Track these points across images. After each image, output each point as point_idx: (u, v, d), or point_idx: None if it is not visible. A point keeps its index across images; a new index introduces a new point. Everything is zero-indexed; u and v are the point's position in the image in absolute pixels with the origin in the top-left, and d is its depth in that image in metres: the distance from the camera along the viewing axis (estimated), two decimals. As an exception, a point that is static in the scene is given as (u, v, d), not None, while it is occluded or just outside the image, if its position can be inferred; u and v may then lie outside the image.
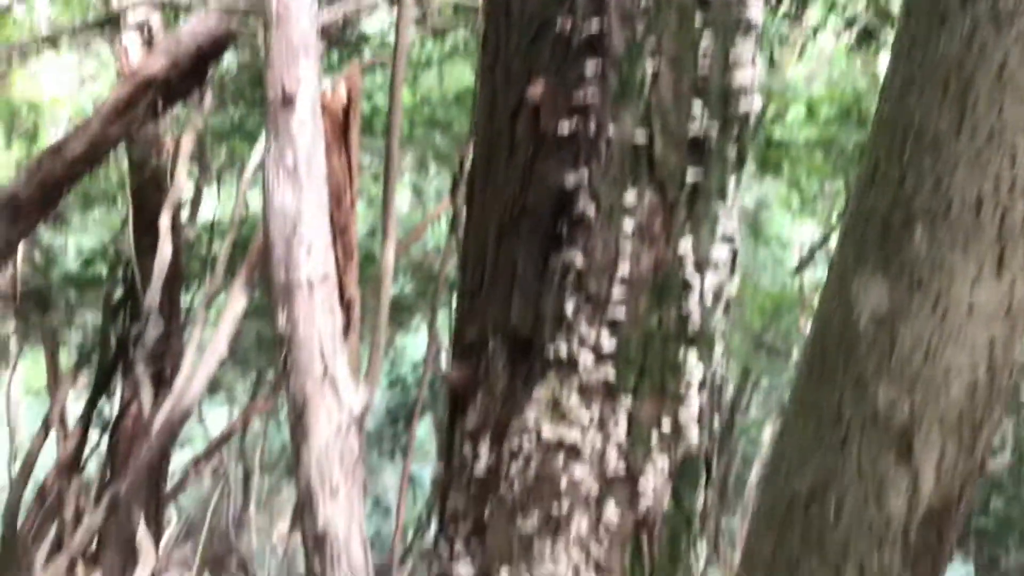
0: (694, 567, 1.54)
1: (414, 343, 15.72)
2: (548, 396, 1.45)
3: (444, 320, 13.57)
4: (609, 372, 1.43)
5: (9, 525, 11.38)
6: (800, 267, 9.49)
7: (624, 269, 1.43)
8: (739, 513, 11.17)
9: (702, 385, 1.48)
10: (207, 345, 5.73)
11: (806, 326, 7.62)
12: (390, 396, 14.70)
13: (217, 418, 16.87)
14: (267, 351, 12.80)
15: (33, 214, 5.43)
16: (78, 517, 9.31)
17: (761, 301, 6.32)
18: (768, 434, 10.94)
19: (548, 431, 1.44)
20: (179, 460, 14.51)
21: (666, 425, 1.45)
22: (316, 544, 2.44)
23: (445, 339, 12.90)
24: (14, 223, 5.26)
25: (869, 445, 0.87)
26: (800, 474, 0.96)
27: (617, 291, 1.43)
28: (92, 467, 13.10)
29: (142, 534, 6.68)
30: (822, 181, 9.17)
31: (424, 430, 15.79)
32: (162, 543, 13.81)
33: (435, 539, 1.64)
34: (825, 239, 10.23)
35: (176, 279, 9.43)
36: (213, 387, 14.90)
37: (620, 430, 1.44)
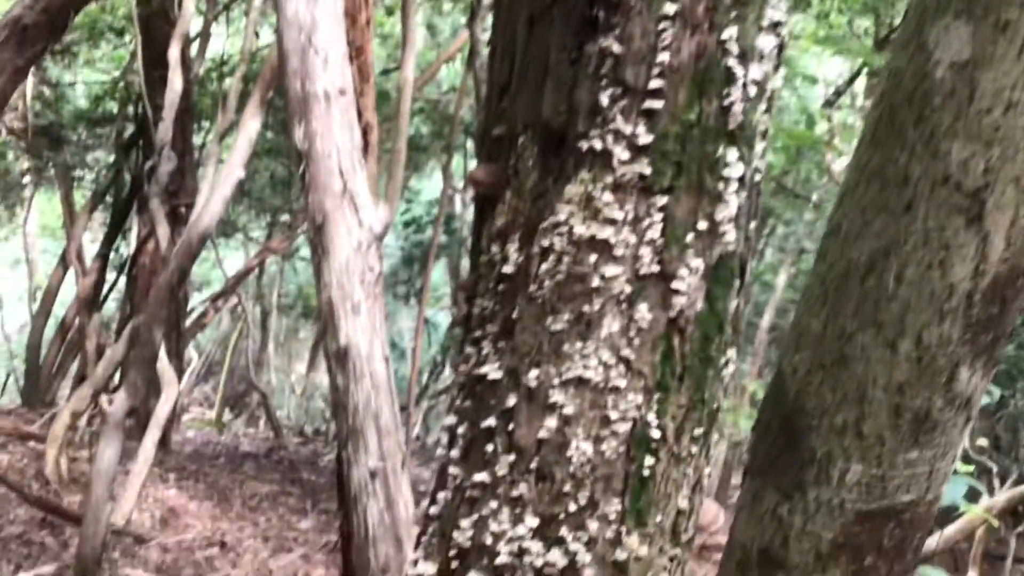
0: (724, 372, 1.52)
1: (429, 186, 15.63)
2: (580, 193, 1.39)
3: (459, 163, 13.44)
4: (645, 167, 1.37)
5: (32, 360, 11.68)
6: (827, 104, 9.25)
7: (663, 57, 1.34)
8: (748, 360, 11.29)
9: (741, 184, 1.42)
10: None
11: (831, 167, 7.48)
12: (405, 238, 14.71)
13: (234, 262, 17.00)
14: (282, 192, 12.77)
15: (39, 40, 5.27)
16: (100, 351, 9.50)
17: (784, 141, 6.16)
18: (783, 279, 10.94)
19: (580, 229, 1.39)
20: (198, 302, 14.71)
21: (702, 224, 1.40)
22: (339, 360, 2.45)
23: (459, 181, 12.82)
24: (21, 49, 5.11)
25: (937, 208, 0.82)
26: (859, 243, 0.92)
27: (655, 80, 1.35)
28: (111, 305, 13.31)
29: (164, 365, 6.82)
30: (852, 16, 8.84)
31: (439, 274, 15.91)
32: (183, 381, 14.19)
33: (461, 344, 1.62)
34: (853, 78, 9.95)
35: (187, 114, 9.30)
36: (229, 230, 14.95)
37: (655, 228, 1.38)
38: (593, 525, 1.45)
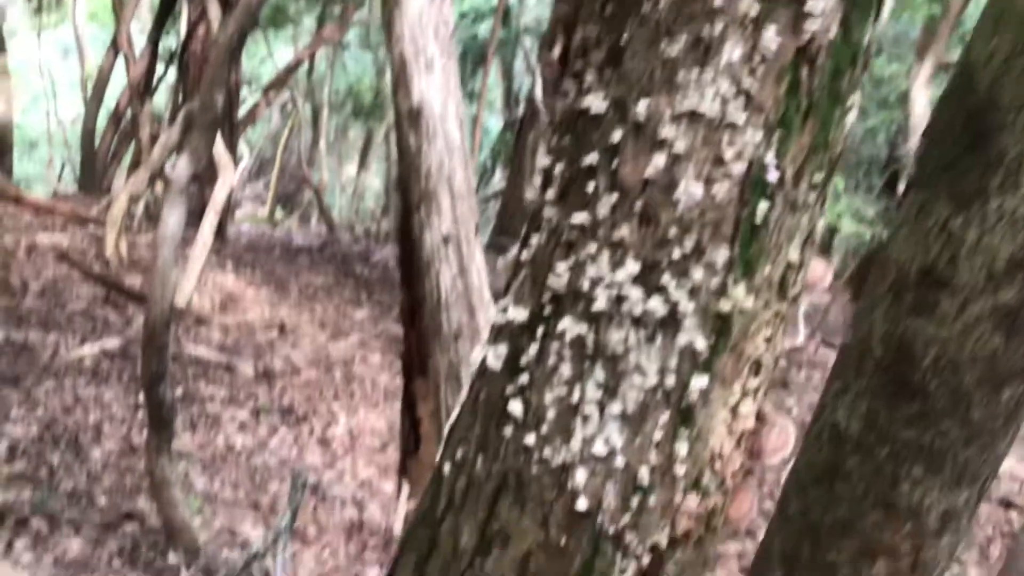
0: (849, 114, 1.38)
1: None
2: None
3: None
4: None
5: (87, 147, 11.74)
6: None
7: None
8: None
9: None
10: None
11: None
12: (459, 31, 14.24)
13: (284, 56, 16.67)
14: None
15: None
16: (153, 138, 9.47)
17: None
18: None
19: (705, -63, 1.22)
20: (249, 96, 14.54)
21: (847, -68, 1.22)
22: (411, 119, 2.33)
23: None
24: None
25: None
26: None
27: None
28: (160, 99, 13.20)
29: (220, 149, 6.75)
30: None
31: (491, 77, 15.48)
32: (235, 176, 14.25)
33: (556, 82, 1.49)
34: None
35: None
36: (280, 20, 14.57)
37: (792, -62, 1.21)
38: (698, 273, 1.36)
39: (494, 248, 10.81)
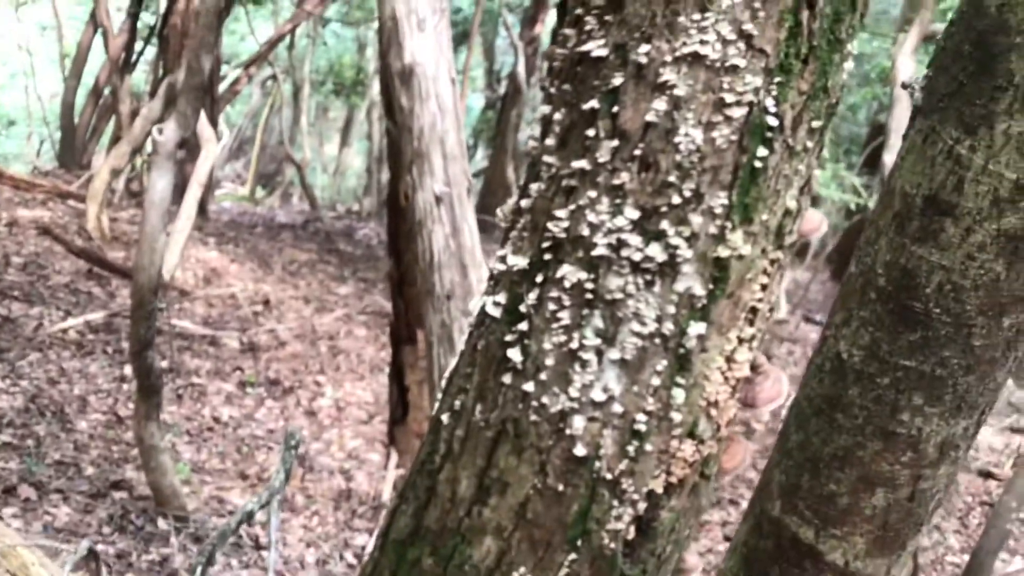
0: (847, 60, 1.39)
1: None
2: None
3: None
4: None
5: (66, 123, 11.61)
6: None
7: None
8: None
9: None
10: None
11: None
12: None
13: (265, 33, 16.53)
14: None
15: None
16: (133, 114, 9.39)
17: None
18: None
19: None
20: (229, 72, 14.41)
21: None
22: (403, 79, 2.31)
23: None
24: None
25: None
26: None
27: None
28: (139, 76, 13.07)
29: (202, 122, 6.70)
30: None
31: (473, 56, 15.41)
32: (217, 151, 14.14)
33: (555, 31, 1.49)
34: None
35: None
36: (259, -3, 14.43)
37: None
38: (696, 219, 1.37)
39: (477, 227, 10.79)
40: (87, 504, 3.55)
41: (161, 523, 3.49)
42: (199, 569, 2.15)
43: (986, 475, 5.73)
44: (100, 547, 3.23)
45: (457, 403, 1.59)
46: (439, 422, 1.63)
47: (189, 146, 8.79)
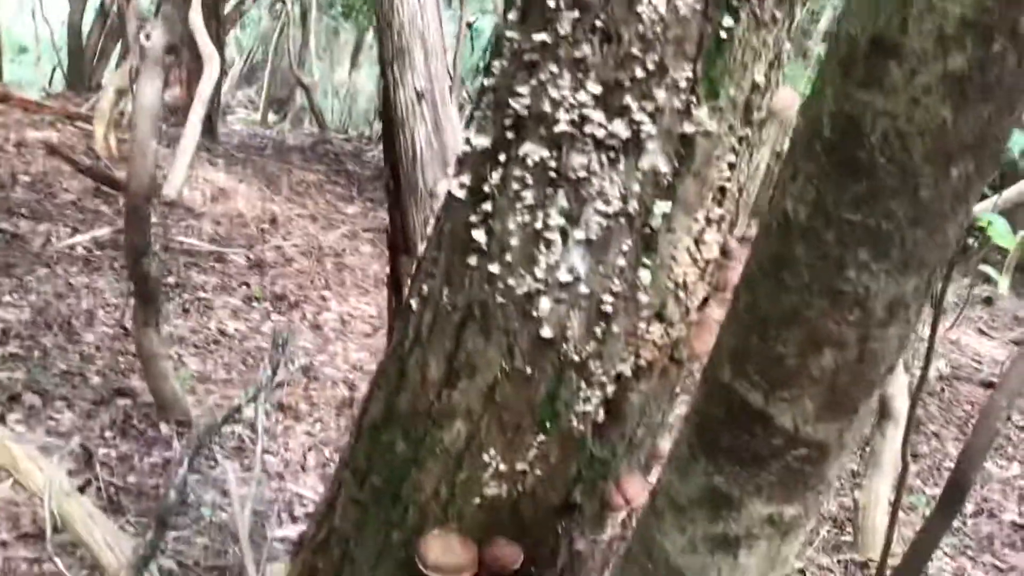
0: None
1: None
2: None
3: None
4: None
5: (74, 44, 11.52)
6: None
7: None
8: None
9: None
10: None
11: None
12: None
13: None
14: None
15: None
16: (140, 32, 9.28)
17: None
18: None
19: None
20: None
21: None
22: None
23: None
24: None
25: None
26: None
27: None
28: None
29: (204, 39, 6.63)
30: None
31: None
32: (226, 82, 14.02)
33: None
34: None
35: None
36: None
37: None
38: (660, 94, 1.34)
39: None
40: (90, 410, 3.61)
41: (164, 428, 3.55)
42: (186, 460, 2.19)
43: (988, 385, 5.72)
44: (102, 450, 3.30)
45: (425, 288, 1.59)
46: (408, 307, 1.64)
47: (194, 67, 8.73)
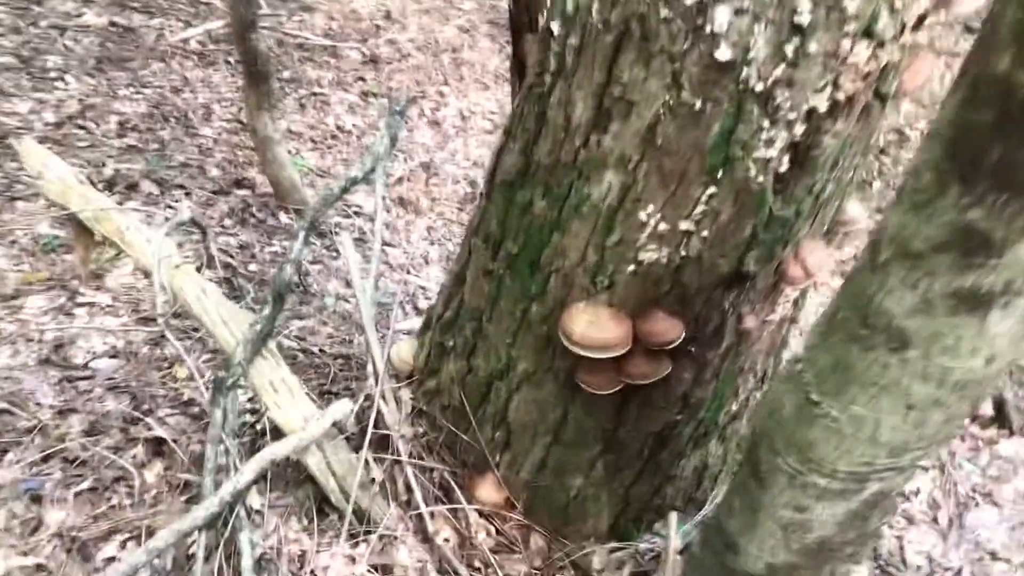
0: None
1: None
2: None
3: None
4: None
5: None
6: None
7: None
8: None
9: None
10: None
11: None
12: None
13: None
14: None
15: None
16: None
17: None
18: None
19: None
20: None
21: None
22: None
23: None
24: None
25: None
26: None
27: None
28: None
29: None
30: None
31: None
32: None
33: None
34: None
35: None
36: None
37: None
38: None
39: None
40: (208, 198, 3.51)
41: (283, 217, 3.43)
42: (302, 233, 2.02)
43: None
44: (222, 238, 3.20)
45: (570, 4, 1.30)
46: (548, 32, 1.35)
47: None
